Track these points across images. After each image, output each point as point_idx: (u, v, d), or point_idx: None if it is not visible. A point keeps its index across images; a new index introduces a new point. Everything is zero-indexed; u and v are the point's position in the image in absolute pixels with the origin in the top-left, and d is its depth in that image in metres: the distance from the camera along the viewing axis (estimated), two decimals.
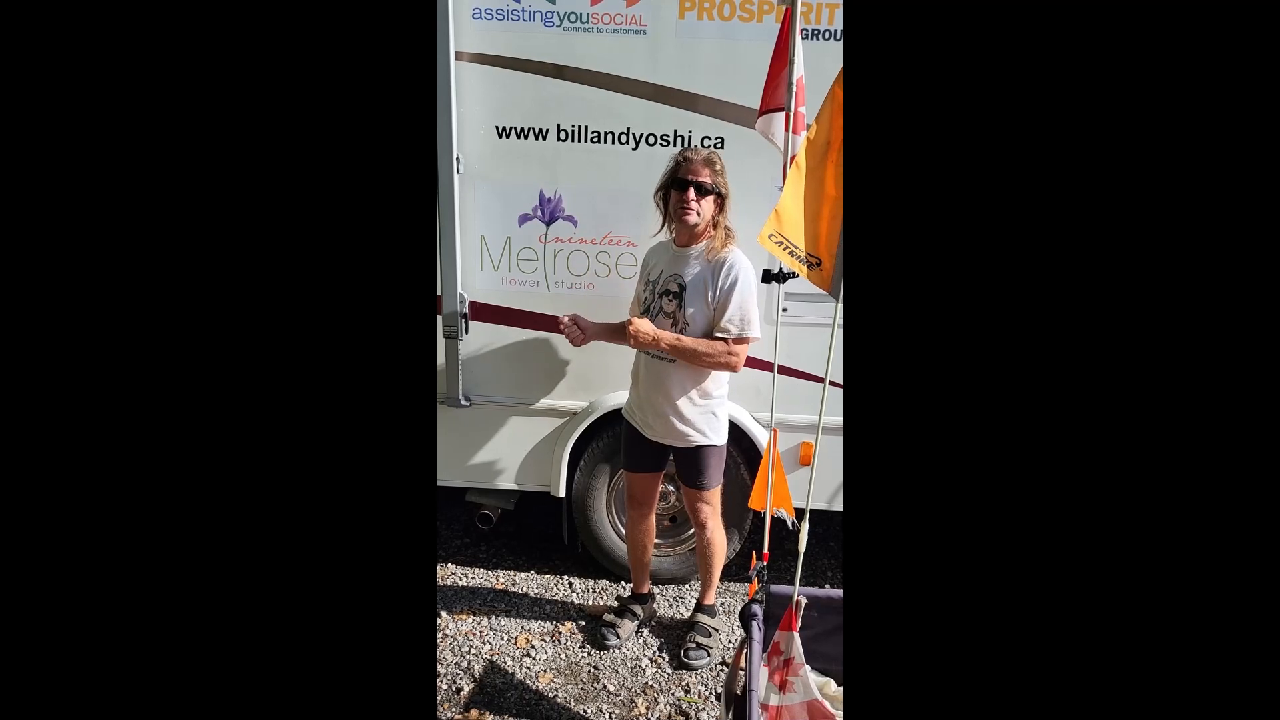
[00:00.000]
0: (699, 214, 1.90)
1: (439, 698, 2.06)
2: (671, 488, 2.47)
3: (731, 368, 1.96)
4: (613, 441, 2.38)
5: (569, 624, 2.37)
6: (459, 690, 2.09)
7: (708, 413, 2.02)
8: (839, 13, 2.07)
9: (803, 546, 1.50)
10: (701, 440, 2.03)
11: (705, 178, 1.89)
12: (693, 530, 2.39)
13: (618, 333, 2.11)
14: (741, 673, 1.52)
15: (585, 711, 2.03)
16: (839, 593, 1.67)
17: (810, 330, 2.18)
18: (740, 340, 1.93)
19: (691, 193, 1.88)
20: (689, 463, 2.07)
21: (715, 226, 1.95)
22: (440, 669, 2.16)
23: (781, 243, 1.29)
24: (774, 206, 1.31)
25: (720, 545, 2.21)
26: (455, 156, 2.18)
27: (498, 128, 2.19)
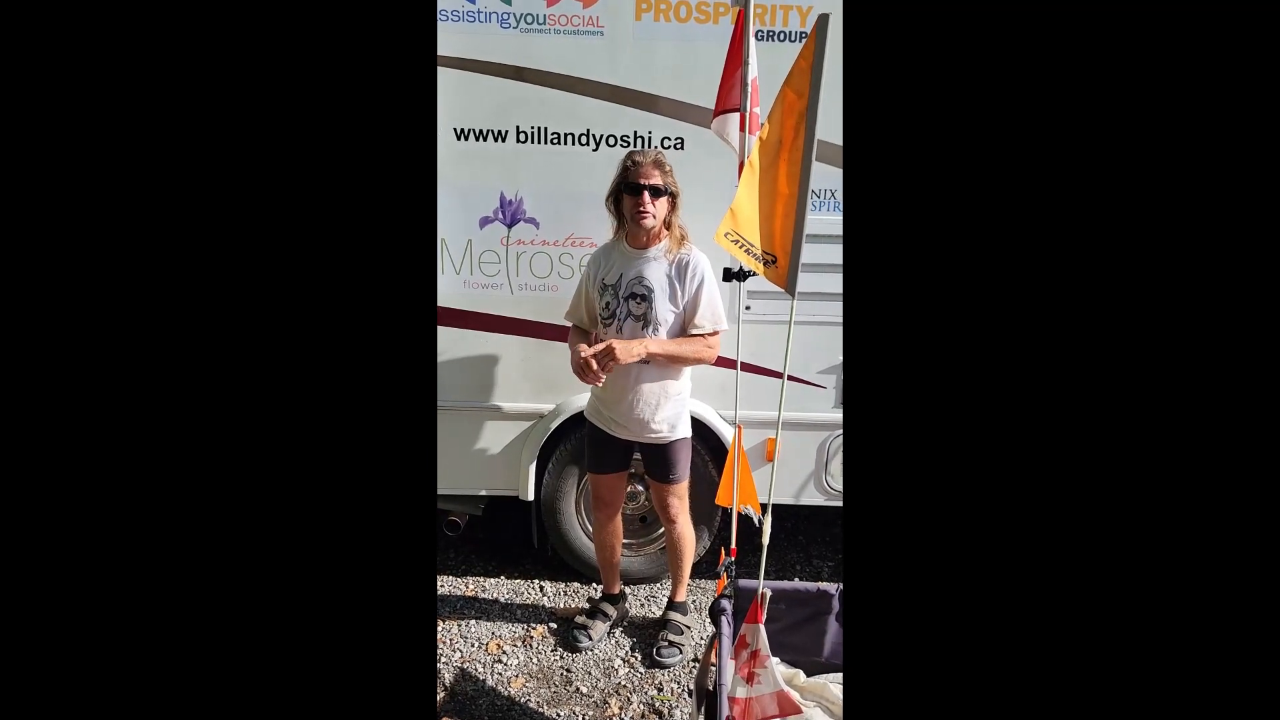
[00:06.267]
0: (655, 216, 1.92)
1: None
2: (642, 487, 2.47)
3: (710, 360, 2.02)
4: (580, 443, 2.37)
5: (540, 627, 2.36)
6: None
7: (680, 407, 2.06)
8: (794, 14, 2.10)
9: (765, 540, 1.52)
10: (673, 435, 2.06)
11: (657, 179, 1.90)
12: (663, 529, 2.40)
13: (585, 340, 2.06)
14: (712, 668, 1.53)
15: (558, 715, 2.02)
16: (806, 585, 1.70)
17: (773, 328, 2.21)
18: (714, 333, 1.99)
19: (645, 195, 1.89)
20: (659, 459, 2.08)
21: (669, 226, 1.97)
22: None
23: (737, 241, 1.30)
24: (729, 205, 1.32)
25: (690, 540, 2.23)
26: None
27: (456, 130, 2.17)
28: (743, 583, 1.66)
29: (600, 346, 1.89)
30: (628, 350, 1.89)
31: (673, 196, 1.94)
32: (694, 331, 1.96)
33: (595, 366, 1.88)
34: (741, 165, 1.63)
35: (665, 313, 1.95)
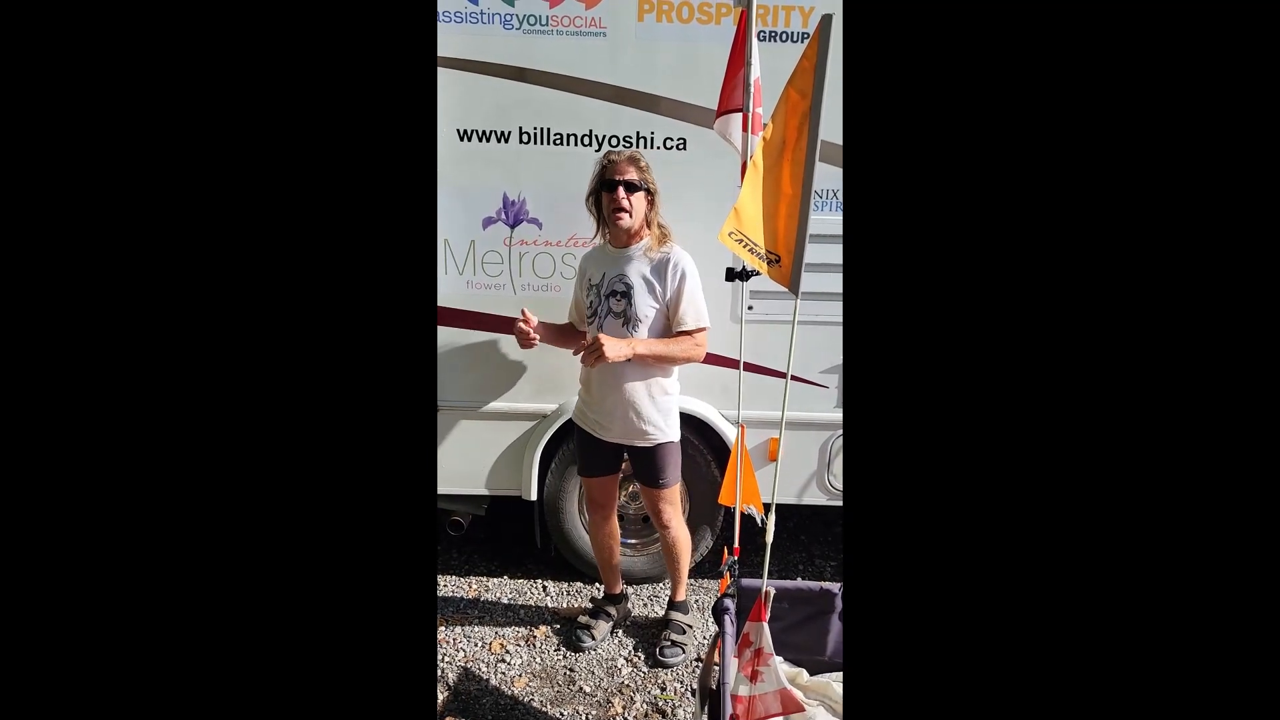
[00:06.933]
0: (631, 212, 1.93)
1: None
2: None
3: (698, 358, 2.02)
4: None
5: (543, 628, 2.36)
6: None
7: (666, 410, 2.05)
8: (795, 15, 2.11)
9: (769, 539, 1.52)
10: (661, 438, 2.05)
11: (632, 175, 1.92)
12: None
13: (564, 335, 2.14)
14: (716, 667, 1.53)
15: (561, 714, 2.03)
16: (809, 584, 1.70)
17: (775, 327, 2.22)
18: (699, 330, 1.98)
19: (621, 191, 1.92)
20: (647, 462, 2.08)
21: (649, 224, 1.98)
22: None
23: (741, 240, 1.31)
24: (733, 205, 1.33)
25: (685, 542, 2.23)
26: None
27: (459, 131, 2.18)
28: (746, 582, 1.66)
29: (589, 340, 1.92)
30: (615, 349, 1.89)
31: (650, 193, 1.95)
32: (677, 329, 1.96)
33: (531, 334, 1.96)
34: (744, 166, 1.63)
35: (645, 309, 1.95)
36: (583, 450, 2.17)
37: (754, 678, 1.42)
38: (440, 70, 2.12)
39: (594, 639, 2.27)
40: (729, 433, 2.34)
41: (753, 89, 1.60)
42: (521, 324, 1.98)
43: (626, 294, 1.97)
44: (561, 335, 2.14)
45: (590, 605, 2.40)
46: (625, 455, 2.14)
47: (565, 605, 2.48)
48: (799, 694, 1.51)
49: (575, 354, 1.97)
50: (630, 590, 2.47)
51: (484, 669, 2.19)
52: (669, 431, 2.06)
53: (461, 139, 2.18)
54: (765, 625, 1.40)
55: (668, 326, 1.98)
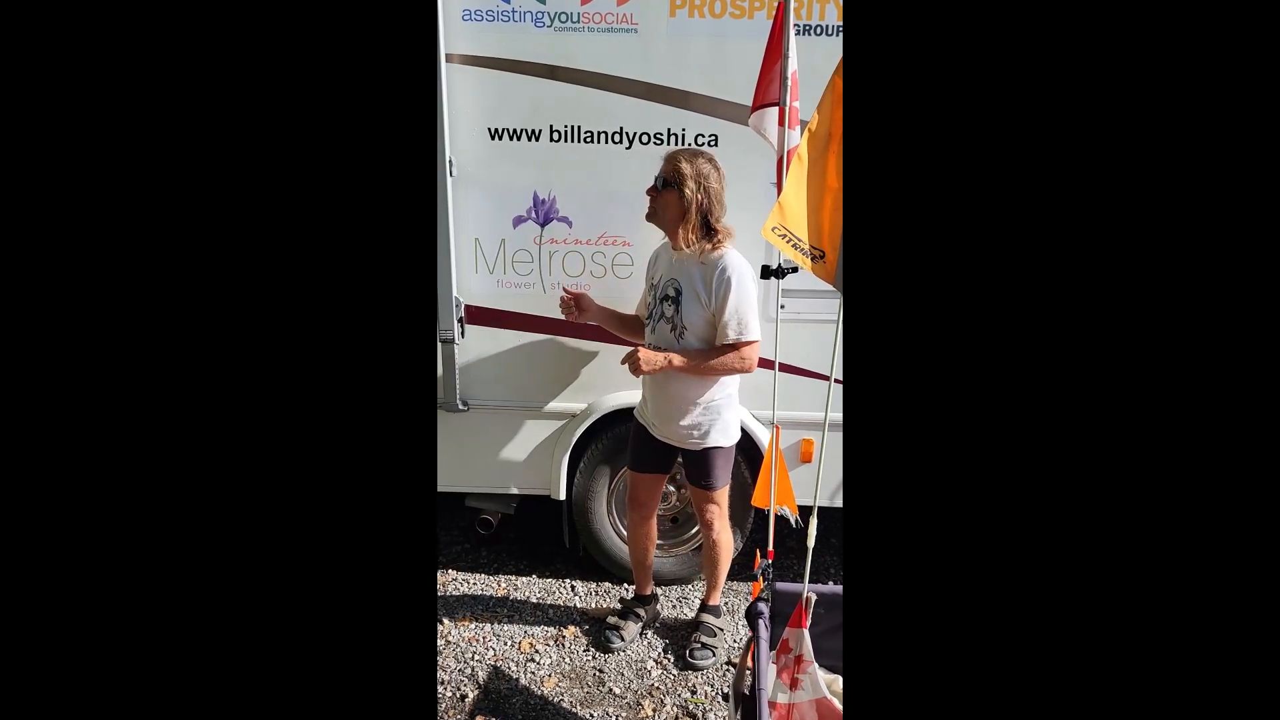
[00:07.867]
0: (654, 210, 1.93)
1: (444, 705, 2.04)
2: (671, 488, 2.45)
3: (744, 371, 1.95)
4: (612, 443, 2.37)
5: (572, 628, 2.35)
6: (464, 697, 2.07)
7: (715, 415, 2.01)
8: (830, 8, 2.07)
9: (811, 543, 1.49)
10: (709, 442, 2.02)
11: (660, 173, 1.91)
12: (695, 530, 2.38)
13: (624, 325, 2.14)
14: (749, 672, 1.51)
15: (591, 715, 2.01)
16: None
17: (809, 327, 2.18)
18: (742, 344, 1.90)
19: (647, 194, 1.92)
20: (696, 464, 2.07)
21: (689, 225, 1.88)
22: (444, 676, 2.14)
23: (785, 236, 1.28)
24: (776, 200, 1.30)
25: (727, 546, 2.20)
26: (448, 159, 2.16)
27: (490, 129, 2.18)
28: (780, 586, 1.63)
29: (629, 352, 1.93)
30: (650, 360, 1.89)
31: (680, 190, 1.85)
32: (719, 341, 1.90)
33: (572, 307, 2.10)
34: (780, 161, 1.60)
35: (692, 317, 1.92)
36: (635, 444, 2.15)
37: (793, 685, 1.39)
38: (472, 69, 2.12)
39: (623, 640, 2.25)
40: (760, 434, 2.31)
41: (790, 82, 1.57)
42: (564, 294, 2.10)
43: (676, 300, 1.94)
44: (622, 324, 2.16)
45: (619, 606, 2.39)
46: (679, 458, 2.11)
47: (594, 605, 2.46)
48: (837, 702, 1.48)
49: (621, 363, 1.95)
50: (659, 591, 2.45)
51: (514, 668, 2.18)
52: (717, 436, 2.02)
53: (493, 138, 2.18)
54: (806, 632, 1.37)
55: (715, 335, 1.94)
